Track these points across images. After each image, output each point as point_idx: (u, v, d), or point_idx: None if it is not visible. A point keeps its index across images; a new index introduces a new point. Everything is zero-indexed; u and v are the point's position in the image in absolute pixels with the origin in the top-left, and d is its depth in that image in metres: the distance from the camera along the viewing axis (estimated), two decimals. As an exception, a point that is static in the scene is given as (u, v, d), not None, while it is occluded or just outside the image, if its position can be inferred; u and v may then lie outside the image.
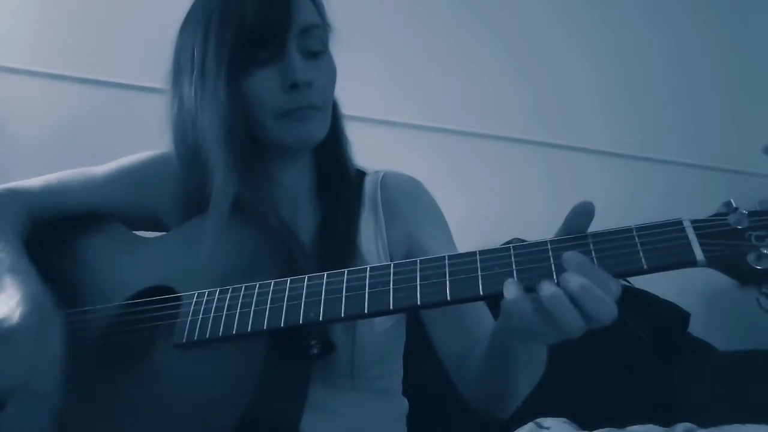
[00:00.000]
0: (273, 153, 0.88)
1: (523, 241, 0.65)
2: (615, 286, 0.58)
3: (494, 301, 0.64)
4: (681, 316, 1.68)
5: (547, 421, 0.67)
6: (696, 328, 1.69)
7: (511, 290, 0.60)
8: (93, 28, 1.73)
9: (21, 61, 1.68)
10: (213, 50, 0.80)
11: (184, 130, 0.87)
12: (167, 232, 0.93)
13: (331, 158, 0.93)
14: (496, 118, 2.02)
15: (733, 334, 1.87)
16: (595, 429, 0.63)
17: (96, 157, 1.01)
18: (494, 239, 1.85)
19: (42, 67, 1.68)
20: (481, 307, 0.89)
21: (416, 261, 0.66)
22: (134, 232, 0.94)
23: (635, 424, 0.64)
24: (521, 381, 0.77)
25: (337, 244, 0.86)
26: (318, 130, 0.85)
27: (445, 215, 0.98)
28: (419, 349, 0.95)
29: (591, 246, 0.60)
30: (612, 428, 0.63)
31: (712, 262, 0.57)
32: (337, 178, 0.93)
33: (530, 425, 0.67)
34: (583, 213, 0.61)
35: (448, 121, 1.98)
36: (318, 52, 0.85)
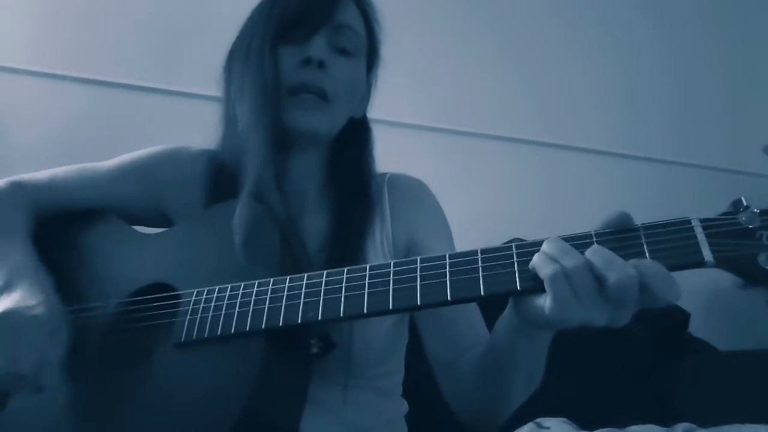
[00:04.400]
0: (286, 142, 0.87)
1: (524, 241, 0.64)
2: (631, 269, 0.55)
3: (490, 305, 0.62)
4: (681, 316, 1.67)
5: (547, 421, 0.66)
6: (696, 328, 1.69)
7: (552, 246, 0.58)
8: (93, 28, 1.73)
9: (21, 61, 1.68)
10: (260, 30, 0.87)
11: (228, 110, 0.90)
12: (170, 227, 0.93)
13: (350, 166, 0.94)
14: (496, 118, 2.02)
15: (733, 334, 1.87)
16: (595, 429, 0.62)
17: (96, 157, 1.00)
18: (494, 239, 1.84)
19: (42, 67, 1.68)
20: (475, 315, 0.88)
21: (416, 260, 0.64)
22: (134, 227, 0.93)
23: (635, 424, 0.64)
24: (519, 386, 0.76)
25: (345, 260, 0.84)
26: (317, 122, 0.86)
27: (445, 215, 0.98)
28: (420, 351, 0.95)
29: (596, 245, 0.58)
30: (612, 428, 0.62)
31: (721, 262, 0.54)
32: (353, 189, 0.92)
33: (530, 425, 0.67)
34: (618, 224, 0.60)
35: (447, 121, 1.97)
36: (347, 52, 0.88)
